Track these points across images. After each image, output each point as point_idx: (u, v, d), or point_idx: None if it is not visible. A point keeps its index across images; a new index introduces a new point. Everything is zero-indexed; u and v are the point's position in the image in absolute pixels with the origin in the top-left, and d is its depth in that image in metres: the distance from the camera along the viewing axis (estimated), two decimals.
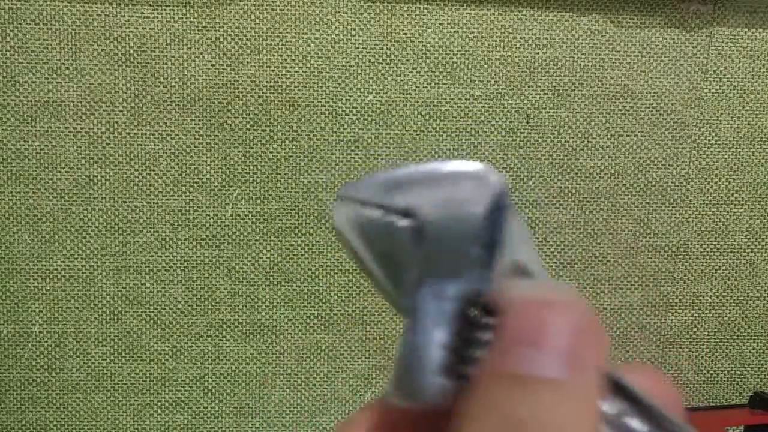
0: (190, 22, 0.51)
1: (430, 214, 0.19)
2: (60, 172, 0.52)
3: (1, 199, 0.52)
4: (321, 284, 0.54)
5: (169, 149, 0.53)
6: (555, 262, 0.55)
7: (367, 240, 0.19)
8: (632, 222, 0.55)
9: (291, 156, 0.53)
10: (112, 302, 0.54)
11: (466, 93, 0.53)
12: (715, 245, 0.56)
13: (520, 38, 0.53)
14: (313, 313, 0.55)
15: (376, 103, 0.53)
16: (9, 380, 0.54)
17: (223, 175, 0.53)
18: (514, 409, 0.17)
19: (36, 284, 0.53)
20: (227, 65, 0.52)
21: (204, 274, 0.54)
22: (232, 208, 0.53)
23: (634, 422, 0.19)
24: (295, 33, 0.52)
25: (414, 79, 0.53)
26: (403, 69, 0.53)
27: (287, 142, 0.53)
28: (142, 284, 0.54)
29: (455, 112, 0.53)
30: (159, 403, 0.55)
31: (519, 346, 0.18)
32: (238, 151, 0.53)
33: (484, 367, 0.18)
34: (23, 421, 0.55)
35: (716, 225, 0.56)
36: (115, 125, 0.52)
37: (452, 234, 0.18)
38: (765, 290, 0.57)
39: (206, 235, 0.54)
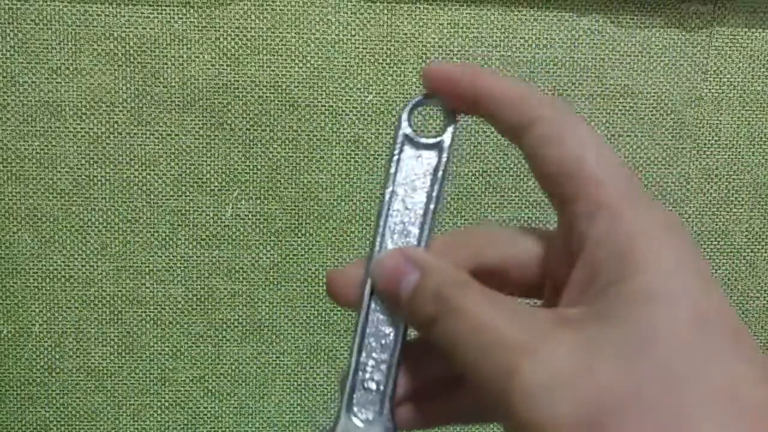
0: (190, 22, 0.51)
1: None
2: (60, 172, 0.52)
3: (1, 199, 0.52)
4: (321, 284, 0.54)
5: (169, 149, 0.53)
6: None
7: None
8: None
9: (291, 156, 0.53)
10: (112, 302, 0.54)
11: None
12: (715, 245, 0.56)
13: (520, 38, 0.53)
14: (313, 313, 0.55)
15: (376, 103, 0.53)
16: (9, 380, 0.54)
17: (223, 175, 0.53)
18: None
19: (36, 284, 0.53)
20: (227, 65, 0.52)
21: (204, 274, 0.54)
22: (232, 208, 0.53)
23: None
24: (295, 33, 0.52)
25: (414, 79, 0.53)
26: (403, 69, 0.53)
27: (287, 142, 0.53)
28: (142, 284, 0.54)
29: None
30: (159, 403, 0.55)
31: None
32: (238, 151, 0.53)
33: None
34: (23, 421, 0.55)
35: (716, 225, 0.56)
36: (115, 125, 0.52)
37: None
38: (765, 290, 0.57)
39: (206, 235, 0.53)
